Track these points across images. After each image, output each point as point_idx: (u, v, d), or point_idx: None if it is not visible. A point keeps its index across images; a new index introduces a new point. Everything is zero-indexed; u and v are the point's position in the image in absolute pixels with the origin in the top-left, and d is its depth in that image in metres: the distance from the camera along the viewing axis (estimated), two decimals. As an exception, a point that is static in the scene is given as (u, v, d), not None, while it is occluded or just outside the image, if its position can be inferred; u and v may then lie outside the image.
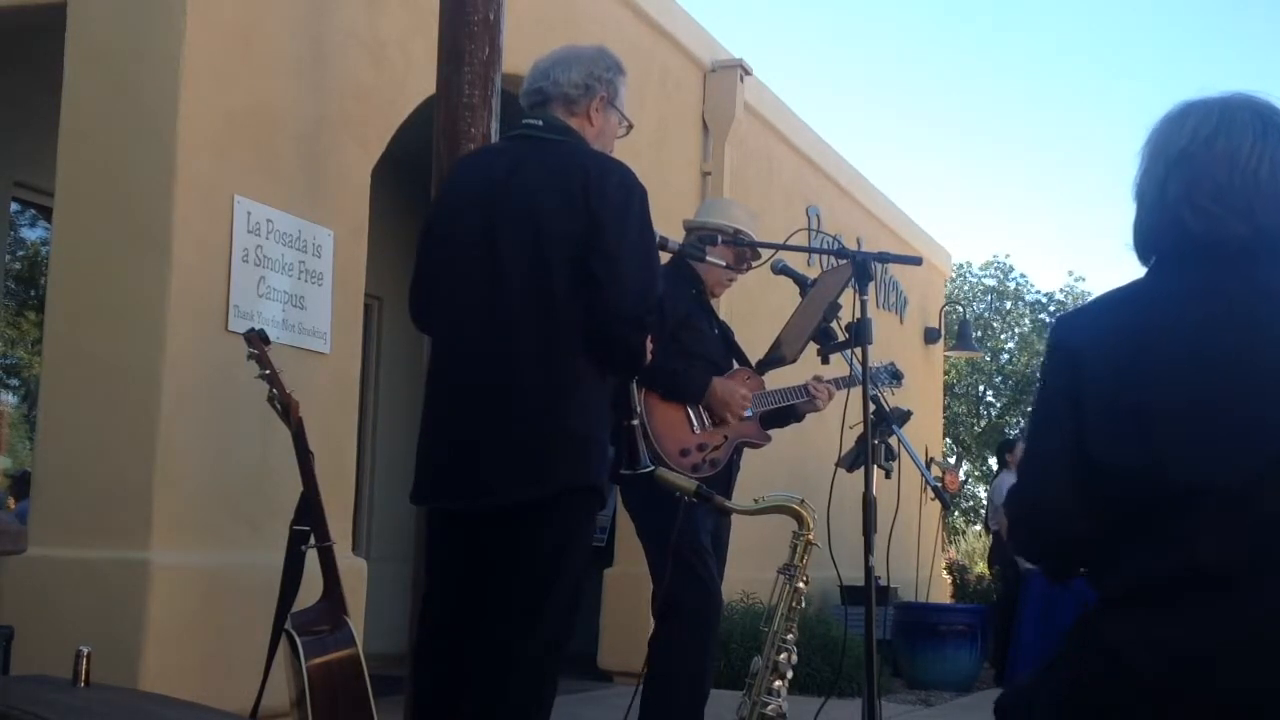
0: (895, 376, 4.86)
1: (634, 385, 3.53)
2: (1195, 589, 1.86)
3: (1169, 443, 1.90)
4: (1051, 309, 29.55)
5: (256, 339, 4.02)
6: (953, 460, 26.38)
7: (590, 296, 3.21)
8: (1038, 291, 30.06)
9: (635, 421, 3.50)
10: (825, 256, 6.07)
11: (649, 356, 3.37)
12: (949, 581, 12.70)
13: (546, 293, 3.23)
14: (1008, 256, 39.29)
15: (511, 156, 3.45)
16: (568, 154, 3.35)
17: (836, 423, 3.99)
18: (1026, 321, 29.81)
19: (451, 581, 3.38)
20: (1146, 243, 2.09)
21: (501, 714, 3.24)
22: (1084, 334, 2.06)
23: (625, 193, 3.28)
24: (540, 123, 3.44)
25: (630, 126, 3.64)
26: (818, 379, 4.74)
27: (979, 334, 23.88)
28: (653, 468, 3.52)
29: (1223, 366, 1.92)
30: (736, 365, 4.77)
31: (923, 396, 12.01)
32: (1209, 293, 1.98)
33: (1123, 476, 1.93)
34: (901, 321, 11.90)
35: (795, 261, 4.58)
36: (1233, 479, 1.87)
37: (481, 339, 3.29)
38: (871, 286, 3.68)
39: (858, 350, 3.66)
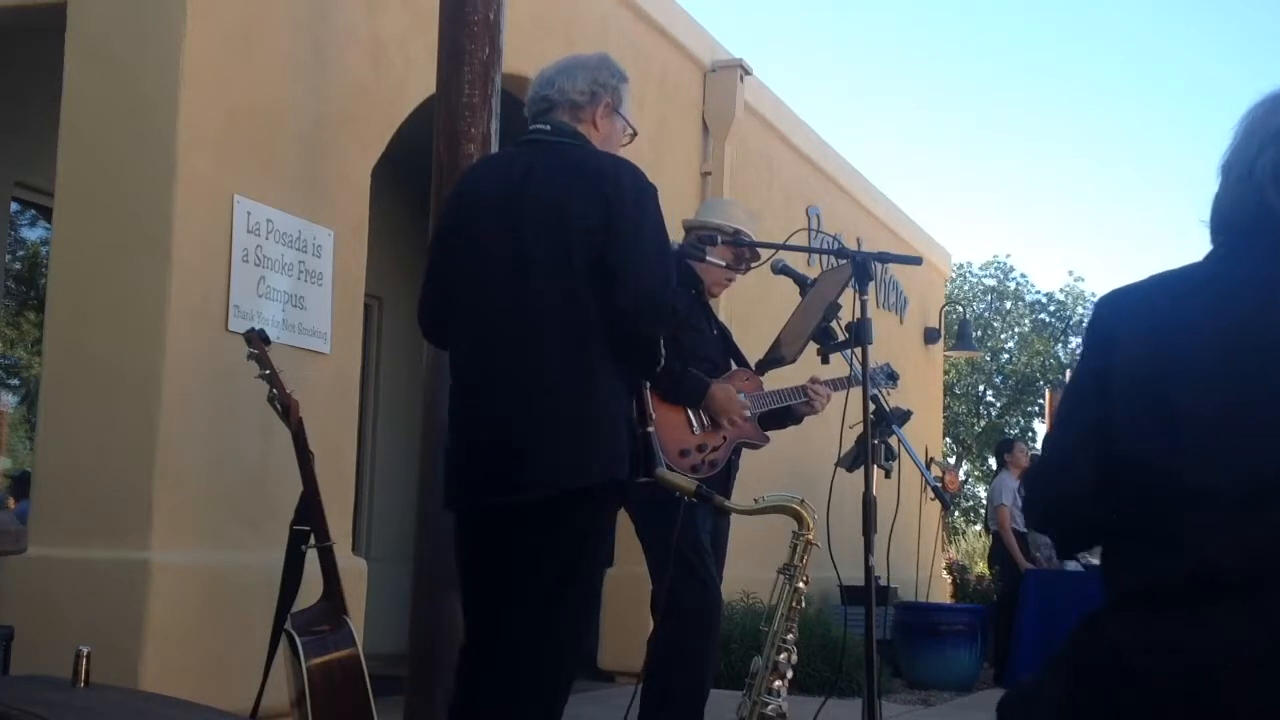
0: (891, 377, 4.85)
1: (646, 391, 3.52)
2: (1205, 593, 1.82)
3: (1192, 442, 1.86)
4: (1051, 309, 29.56)
5: (256, 339, 4.02)
6: (953, 460, 26.39)
7: (608, 294, 3.22)
8: (1038, 291, 30.08)
9: (650, 429, 3.50)
10: (825, 256, 6.07)
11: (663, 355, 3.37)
12: (949, 581, 12.70)
13: (574, 293, 3.24)
14: (1008, 256, 39.31)
15: (524, 161, 3.46)
16: (582, 155, 3.38)
17: (836, 423, 3.99)
18: (1026, 321, 29.83)
19: (480, 579, 3.37)
20: (1222, 219, 2.01)
21: (519, 706, 3.24)
22: (1124, 316, 2.00)
23: (639, 191, 3.31)
24: (549, 127, 3.47)
25: (634, 134, 3.65)
26: (814, 380, 4.74)
27: (979, 334, 23.89)
28: (667, 465, 3.52)
29: (1262, 362, 1.86)
30: (735, 366, 4.77)
31: (923, 396, 12.01)
32: (1269, 280, 1.92)
33: (1141, 470, 1.90)
34: (901, 321, 11.90)
35: (795, 261, 4.58)
36: (1253, 482, 1.82)
37: (510, 341, 3.29)
38: (871, 286, 3.68)
39: (858, 350, 3.66)
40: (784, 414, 4.78)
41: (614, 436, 3.25)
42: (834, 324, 4.00)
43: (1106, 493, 1.95)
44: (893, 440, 3.80)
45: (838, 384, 4.71)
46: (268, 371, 4.02)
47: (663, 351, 3.35)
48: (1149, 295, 2.02)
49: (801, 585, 3.33)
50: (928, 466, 9.74)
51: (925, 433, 12.34)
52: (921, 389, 12.14)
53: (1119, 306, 2.04)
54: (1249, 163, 1.98)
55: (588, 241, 3.24)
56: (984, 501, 29.05)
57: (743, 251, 4.64)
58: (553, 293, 3.25)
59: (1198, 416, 1.87)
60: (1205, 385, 1.88)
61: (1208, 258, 2.03)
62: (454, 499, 3.40)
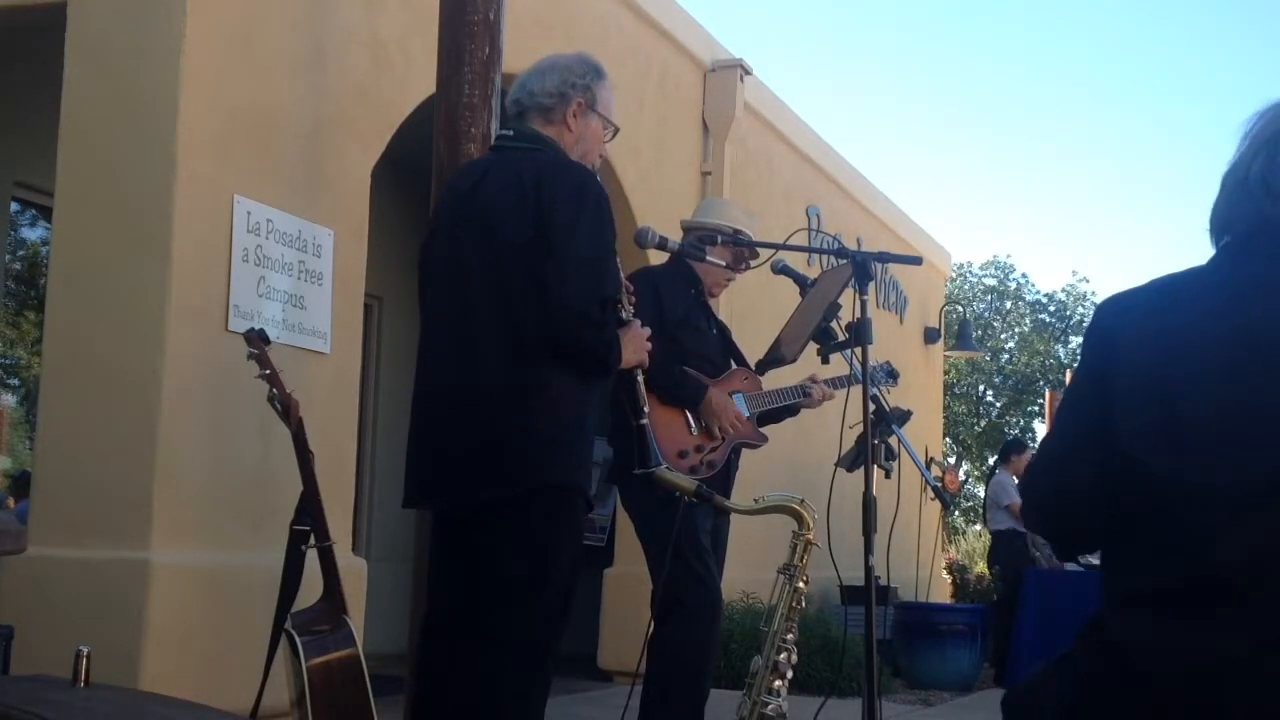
0: (891, 375, 4.86)
1: (640, 385, 3.52)
2: (1206, 594, 1.83)
3: (1194, 443, 1.86)
4: (1051, 309, 29.57)
5: (256, 339, 4.02)
6: (953, 460, 26.39)
7: (541, 297, 3.23)
8: (1038, 291, 30.09)
9: (645, 421, 3.50)
10: (825, 256, 6.07)
11: (620, 354, 3.35)
12: (949, 581, 12.70)
13: (506, 297, 3.27)
14: (1009, 257, 39.28)
15: (480, 169, 3.54)
16: (528, 161, 3.39)
17: (836, 423, 3.99)
18: (1026, 321, 29.85)
19: (447, 581, 3.42)
20: (1221, 223, 2.02)
21: (489, 715, 3.25)
22: (1126, 318, 2.01)
23: (578, 194, 3.30)
24: (511, 133, 3.51)
25: (616, 130, 3.64)
26: (813, 379, 4.74)
27: (979, 334, 23.88)
28: (666, 465, 3.53)
29: (1266, 365, 1.86)
30: (734, 365, 4.77)
31: (923, 396, 12.01)
32: (1266, 285, 1.92)
33: (1143, 470, 1.89)
34: (901, 321, 11.90)
35: (795, 261, 4.58)
36: (1248, 487, 1.83)
37: (449, 347, 3.37)
38: (871, 286, 3.67)
39: (858, 350, 3.65)
40: (781, 410, 4.79)
41: (551, 441, 3.27)
42: (834, 324, 4.00)
43: (1104, 494, 1.96)
44: (893, 440, 3.80)
45: (838, 382, 4.72)
46: (268, 371, 4.02)
47: (610, 357, 3.33)
48: (1150, 299, 2.02)
49: (801, 585, 3.32)
50: (928, 466, 9.73)
51: (925, 433, 12.34)
52: (921, 389, 12.14)
53: (1120, 309, 2.04)
54: (1246, 167, 2.00)
55: (520, 251, 3.26)
56: (984, 501, 29.04)
57: (742, 251, 4.64)
58: (487, 300, 3.30)
59: (1200, 418, 1.87)
60: (1208, 387, 1.88)
61: (1210, 262, 2.03)
62: (406, 499, 3.50)
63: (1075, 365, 2.09)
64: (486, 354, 3.28)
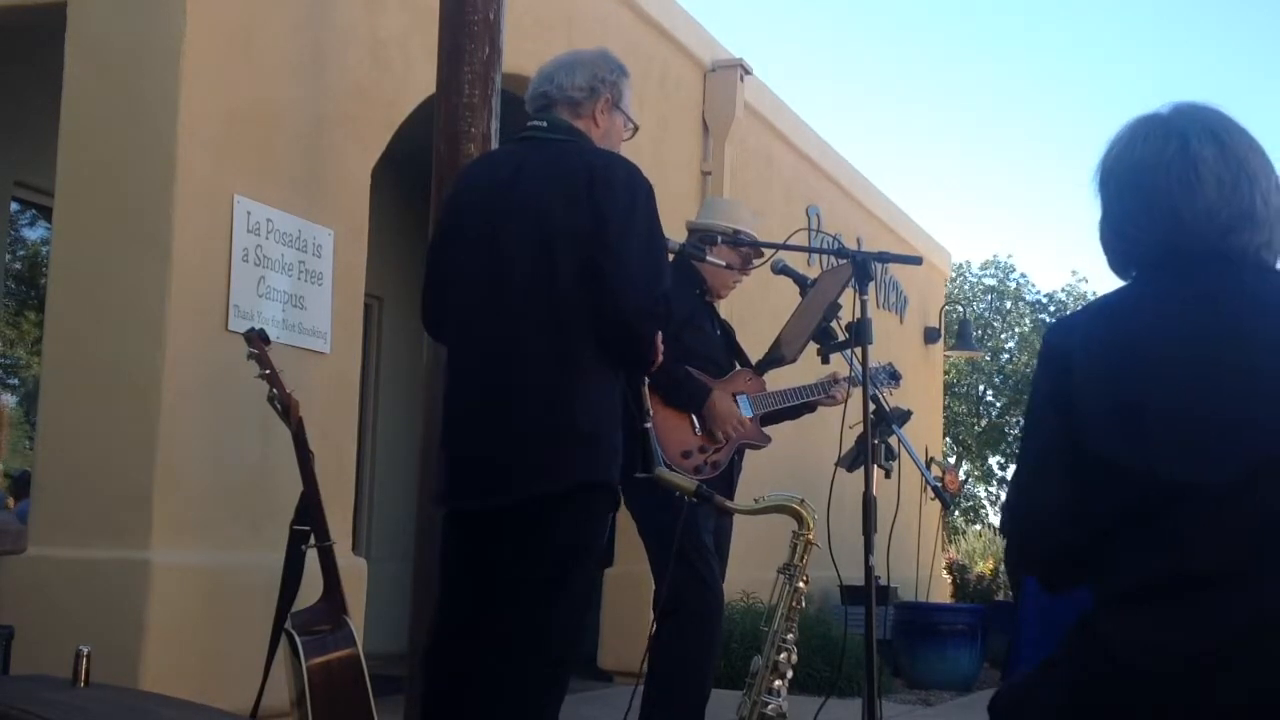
0: (893, 377, 4.86)
1: (645, 388, 3.52)
2: (1190, 589, 1.87)
3: (1163, 441, 1.91)
4: (1052, 309, 29.55)
5: (256, 339, 4.03)
6: (953, 460, 26.38)
7: (597, 292, 3.21)
8: (1038, 291, 30.08)
9: (649, 425, 3.49)
10: (825, 256, 6.07)
11: (660, 354, 3.35)
12: (949, 581, 12.69)
13: (550, 290, 3.24)
14: (1009, 257, 39.24)
15: (515, 159, 3.47)
16: (572, 152, 3.36)
17: (836, 423, 3.99)
18: (1026, 321, 29.81)
19: (465, 583, 3.38)
20: (1120, 262, 2.13)
21: (511, 712, 3.23)
22: (1075, 337, 2.07)
23: (631, 187, 3.29)
24: (545, 124, 3.46)
25: (636, 128, 3.65)
26: (834, 377, 4.74)
27: (979, 334, 23.86)
28: (670, 466, 3.53)
29: (1210, 368, 1.93)
30: (738, 366, 4.77)
31: (923, 396, 12.01)
32: (1180, 297, 2.01)
33: (1119, 474, 1.94)
34: (901, 321, 11.90)
35: (795, 261, 4.58)
36: (1223, 479, 1.88)
37: (488, 340, 3.31)
38: (871, 286, 3.68)
39: (858, 350, 3.66)
40: (795, 408, 4.79)
41: (592, 437, 3.24)
42: (834, 324, 4.00)
43: (1078, 512, 1.99)
44: (893, 440, 3.81)
45: (846, 382, 4.73)
46: (268, 371, 4.02)
47: (658, 350, 3.33)
48: (1095, 317, 2.11)
49: (801, 585, 3.33)
50: (928, 466, 9.73)
51: (925, 433, 12.34)
52: (921, 389, 12.13)
53: (1069, 331, 2.12)
54: (1112, 214, 2.11)
55: (573, 243, 3.23)
56: (984, 501, 28.99)
57: (748, 252, 4.64)
58: (529, 293, 3.25)
59: (1167, 418, 1.93)
60: (1170, 387, 1.94)
61: (1136, 283, 2.12)
62: (439, 500, 3.45)
63: (1030, 392, 2.14)
64: (528, 348, 3.23)
